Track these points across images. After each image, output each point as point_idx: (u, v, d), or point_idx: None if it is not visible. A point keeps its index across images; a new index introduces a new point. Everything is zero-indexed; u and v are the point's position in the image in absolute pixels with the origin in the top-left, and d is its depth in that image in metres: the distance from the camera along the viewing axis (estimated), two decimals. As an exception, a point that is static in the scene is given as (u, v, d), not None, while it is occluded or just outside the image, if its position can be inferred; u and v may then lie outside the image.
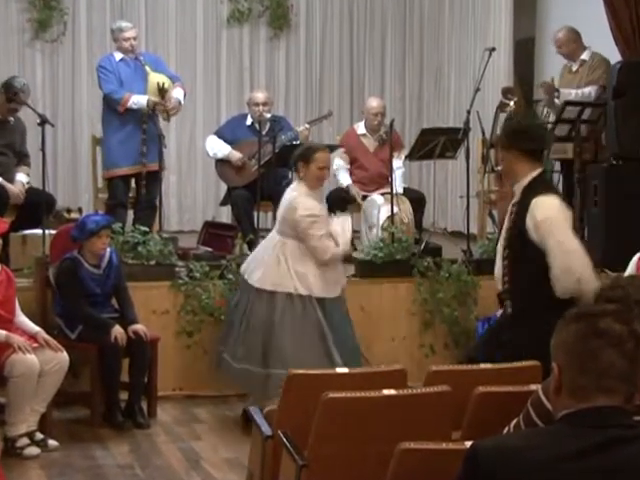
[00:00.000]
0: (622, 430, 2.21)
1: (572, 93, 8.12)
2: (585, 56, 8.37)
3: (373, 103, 8.80)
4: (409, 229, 8.00)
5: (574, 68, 8.44)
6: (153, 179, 7.97)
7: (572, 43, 8.38)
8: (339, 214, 6.88)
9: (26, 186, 7.43)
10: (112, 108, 7.97)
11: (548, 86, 8.19)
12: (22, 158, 7.56)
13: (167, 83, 7.97)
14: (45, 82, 9.92)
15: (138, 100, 7.87)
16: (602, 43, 8.35)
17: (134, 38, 8.11)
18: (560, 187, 9.08)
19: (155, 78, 8.00)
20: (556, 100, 8.13)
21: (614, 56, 8.27)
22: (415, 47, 10.85)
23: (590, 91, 8.19)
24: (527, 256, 4.91)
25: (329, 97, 10.64)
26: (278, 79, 10.53)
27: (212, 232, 8.18)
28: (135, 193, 8.14)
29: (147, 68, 8.04)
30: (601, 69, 8.26)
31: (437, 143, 8.04)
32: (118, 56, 8.10)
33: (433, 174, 8.94)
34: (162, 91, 7.84)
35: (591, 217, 7.96)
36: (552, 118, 8.28)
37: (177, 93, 8.09)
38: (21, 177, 7.45)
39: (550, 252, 4.80)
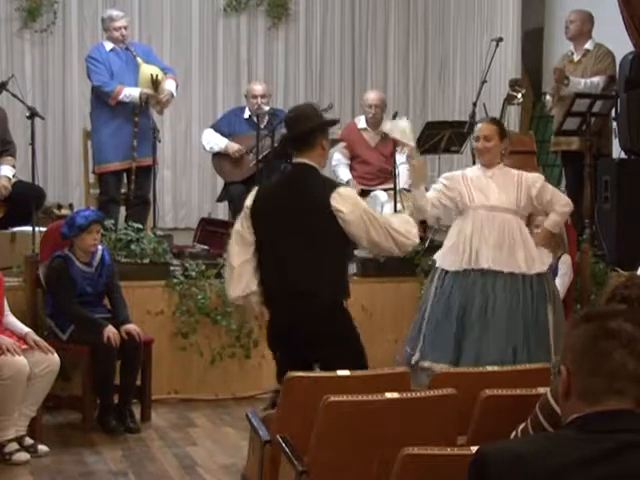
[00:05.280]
0: (634, 435, 2.15)
1: (582, 82, 8.01)
2: (589, 46, 8.31)
3: (369, 95, 8.78)
4: (413, 226, 7.84)
5: (576, 58, 8.37)
6: (145, 174, 7.95)
7: (585, 24, 8.30)
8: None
9: (12, 180, 7.32)
10: (102, 100, 7.94)
11: (560, 73, 8.04)
12: (5, 146, 7.42)
13: (160, 75, 7.94)
14: (35, 73, 9.89)
15: (130, 93, 7.85)
16: (611, 34, 8.28)
17: (125, 27, 8.09)
18: (563, 181, 8.98)
19: (147, 70, 7.98)
20: (564, 88, 7.96)
21: (621, 48, 8.20)
22: (419, 37, 10.84)
23: (599, 81, 8.11)
24: None
25: (330, 89, 10.62)
26: (277, 71, 10.51)
27: (208, 229, 8.16)
28: (127, 189, 8.10)
29: (139, 59, 7.99)
30: (607, 60, 8.21)
31: (442, 137, 8.02)
32: (108, 46, 8.07)
33: (438, 169, 8.80)
34: (155, 83, 7.78)
35: (602, 214, 7.86)
36: (553, 109, 8.19)
37: (169, 85, 8.07)
38: (6, 171, 7.34)
39: None
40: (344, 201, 4.79)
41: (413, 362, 6.11)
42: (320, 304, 4.86)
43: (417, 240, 5.08)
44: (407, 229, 4.93)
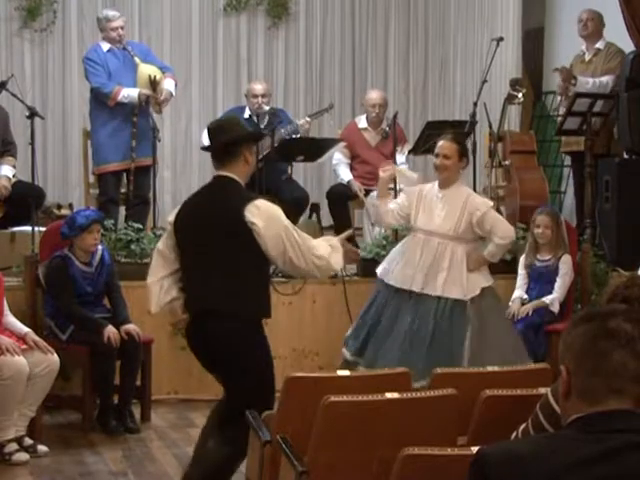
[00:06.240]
0: (634, 435, 2.13)
1: (589, 82, 7.98)
2: (600, 45, 8.27)
3: (372, 94, 8.75)
4: (413, 226, 7.83)
5: (587, 57, 8.32)
6: (144, 174, 7.94)
7: (598, 23, 8.27)
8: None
9: (12, 180, 7.28)
10: (100, 101, 7.93)
11: (567, 72, 8.01)
12: (7, 146, 7.40)
13: (158, 75, 7.91)
14: (34, 73, 9.80)
15: (129, 93, 7.83)
16: (613, 34, 8.26)
17: (122, 27, 8.07)
18: (570, 182, 8.93)
19: (145, 70, 7.97)
20: (572, 87, 7.95)
21: (626, 48, 8.19)
22: (419, 37, 10.76)
23: (607, 81, 8.08)
24: None
25: (330, 89, 10.54)
26: (277, 70, 10.43)
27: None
28: (127, 189, 8.08)
29: (136, 59, 7.93)
30: (617, 59, 8.18)
31: (443, 137, 7.90)
32: (105, 46, 8.06)
33: (437, 169, 8.75)
34: (154, 83, 7.75)
35: (603, 214, 7.83)
36: (563, 109, 8.17)
37: (168, 84, 8.04)
38: (6, 170, 7.33)
39: None
40: (260, 214, 4.47)
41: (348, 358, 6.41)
42: (219, 325, 4.55)
43: (339, 267, 4.81)
44: (329, 253, 4.61)
